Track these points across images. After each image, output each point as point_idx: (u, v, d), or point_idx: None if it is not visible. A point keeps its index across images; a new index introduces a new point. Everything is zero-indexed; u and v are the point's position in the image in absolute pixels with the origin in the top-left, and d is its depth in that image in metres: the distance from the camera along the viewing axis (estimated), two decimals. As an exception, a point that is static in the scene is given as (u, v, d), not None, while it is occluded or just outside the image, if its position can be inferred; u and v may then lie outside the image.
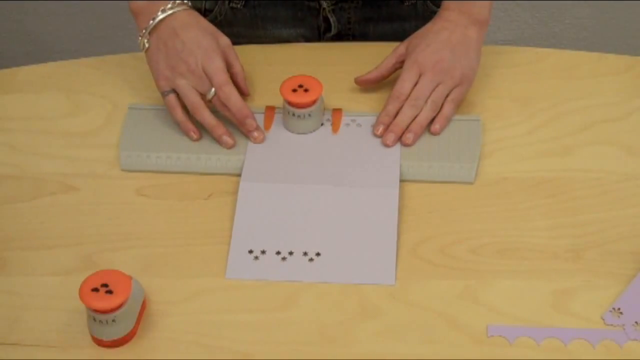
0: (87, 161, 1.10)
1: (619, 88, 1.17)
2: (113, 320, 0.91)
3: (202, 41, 1.09)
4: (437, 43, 1.11)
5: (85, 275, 0.92)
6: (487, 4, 1.14)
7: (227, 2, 1.23)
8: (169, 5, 1.10)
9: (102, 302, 0.90)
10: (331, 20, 1.24)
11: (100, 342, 0.93)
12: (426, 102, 1.09)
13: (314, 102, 1.09)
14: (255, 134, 1.09)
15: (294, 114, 1.10)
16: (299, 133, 1.11)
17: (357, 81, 1.15)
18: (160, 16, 1.10)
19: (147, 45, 1.11)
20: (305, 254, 1.00)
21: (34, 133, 1.13)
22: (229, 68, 1.11)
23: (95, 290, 0.91)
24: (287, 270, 0.99)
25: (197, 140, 1.10)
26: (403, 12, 1.20)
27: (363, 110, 1.14)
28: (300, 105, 1.09)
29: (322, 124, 1.12)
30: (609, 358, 0.92)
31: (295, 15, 1.25)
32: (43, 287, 0.98)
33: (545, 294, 0.96)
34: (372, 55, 1.17)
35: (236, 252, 1.00)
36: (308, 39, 1.27)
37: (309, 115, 1.10)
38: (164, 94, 1.10)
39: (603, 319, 0.94)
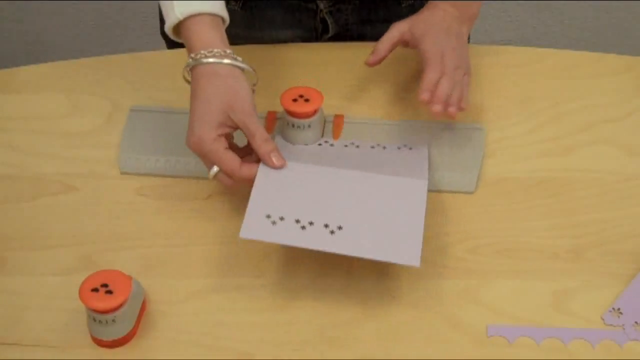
0: (87, 161, 1.10)
1: (619, 88, 1.17)
2: (113, 320, 0.91)
3: (205, 116, 0.98)
4: (444, 33, 1.10)
5: (85, 275, 0.92)
6: (478, 3, 1.15)
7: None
8: (193, 56, 1.00)
9: (102, 302, 0.90)
10: (329, 21, 1.24)
11: (100, 342, 0.93)
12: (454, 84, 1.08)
13: (314, 112, 1.08)
14: None
15: (293, 125, 1.07)
16: (297, 144, 1.08)
17: (370, 62, 1.12)
18: (191, 63, 1.00)
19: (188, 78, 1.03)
20: (326, 225, 0.95)
21: (34, 133, 1.13)
22: (248, 140, 1.01)
23: (95, 290, 0.91)
24: (305, 238, 0.93)
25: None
26: (401, 13, 1.20)
27: (361, 110, 1.14)
28: (300, 115, 1.07)
29: (322, 136, 1.10)
30: (609, 358, 0.92)
31: (292, 16, 1.24)
32: (43, 287, 0.98)
33: (545, 294, 0.96)
34: (371, 56, 1.17)
35: (253, 214, 0.95)
36: (305, 41, 1.26)
37: (309, 126, 1.07)
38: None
39: (603, 319, 0.94)
